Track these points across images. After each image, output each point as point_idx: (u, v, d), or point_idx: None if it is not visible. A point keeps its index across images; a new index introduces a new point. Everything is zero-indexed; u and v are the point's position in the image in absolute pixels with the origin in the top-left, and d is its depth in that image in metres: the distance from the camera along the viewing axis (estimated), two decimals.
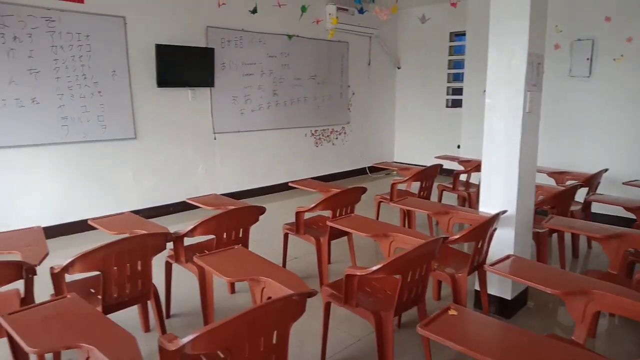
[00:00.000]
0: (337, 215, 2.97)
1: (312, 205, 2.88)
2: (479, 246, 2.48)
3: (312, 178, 6.59)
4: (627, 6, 4.48)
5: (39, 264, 1.94)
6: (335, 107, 6.87)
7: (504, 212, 2.65)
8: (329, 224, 2.50)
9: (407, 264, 1.96)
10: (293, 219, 3.11)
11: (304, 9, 5.18)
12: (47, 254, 2.05)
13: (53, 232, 4.24)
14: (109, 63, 4.43)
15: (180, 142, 5.14)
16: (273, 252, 3.43)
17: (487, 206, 2.82)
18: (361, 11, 4.96)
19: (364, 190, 3.13)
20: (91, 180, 4.50)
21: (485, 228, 2.45)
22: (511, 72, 2.69)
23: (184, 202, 5.27)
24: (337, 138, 7.02)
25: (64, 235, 4.33)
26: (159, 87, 4.76)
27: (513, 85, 2.67)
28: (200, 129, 5.31)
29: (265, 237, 4.01)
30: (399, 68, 7.80)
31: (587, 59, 4.64)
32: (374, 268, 1.86)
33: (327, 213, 2.97)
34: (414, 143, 7.86)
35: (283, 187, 6.30)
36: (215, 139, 5.45)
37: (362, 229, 2.43)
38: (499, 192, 2.78)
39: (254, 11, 4.96)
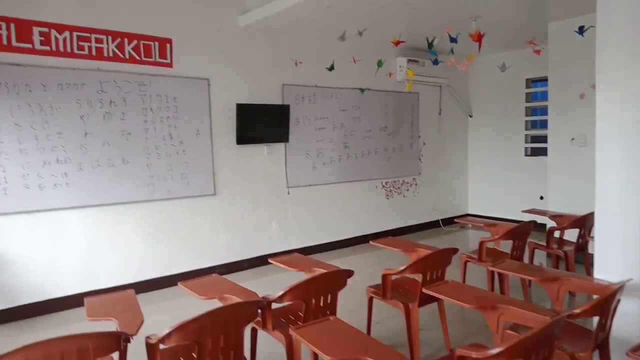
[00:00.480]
0: (428, 279, 2.76)
1: (401, 269, 2.69)
2: (603, 321, 2.17)
3: (383, 232, 6.45)
4: None
5: (136, 334, 1.90)
6: (406, 158, 6.73)
7: (629, 280, 2.32)
8: (426, 291, 2.30)
9: (531, 347, 1.71)
10: (369, 277, 2.93)
11: (380, 63, 5.22)
12: (142, 322, 2.02)
13: (137, 288, 4.31)
14: (193, 123, 4.63)
15: (255, 197, 5.19)
16: (350, 312, 3.24)
17: (604, 272, 2.49)
18: (435, 62, 4.89)
19: (455, 251, 2.91)
20: (172, 236, 4.60)
21: (610, 300, 2.14)
22: (624, 124, 2.44)
23: (258, 258, 5.29)
24: (408, 190, 6.83)
25: (148, 292, 4.40)
26: (238, 144, 4.89)
27: (629, 137, 2.41)
28: (275, 183, 5.35)
29: (341, 297, 3.82)
30: (470, 116, 7.59)
31: None
32: (494, 352, 1.64)
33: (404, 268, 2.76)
34: (489, 194, 7.47)
35: (353, 242, 6.15)
36: (288, 193, 5.46)
37: (465, 299, 2.21)
38: (617, 257, 2.46)
39: (331, 68, 5.05)
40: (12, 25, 3.62)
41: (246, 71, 5.01)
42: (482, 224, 4.17)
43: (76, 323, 3.72)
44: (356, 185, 6.16)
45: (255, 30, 4.99)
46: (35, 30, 3.72)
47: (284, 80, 5.31)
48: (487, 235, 4.07)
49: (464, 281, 3.78)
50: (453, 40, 3.96)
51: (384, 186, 6.51)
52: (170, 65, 4.46)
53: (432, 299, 2.76)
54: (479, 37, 3.75)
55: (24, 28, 3.68)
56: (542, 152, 6.76)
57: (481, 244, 3.59)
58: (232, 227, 5.03)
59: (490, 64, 7.13)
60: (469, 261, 3.80)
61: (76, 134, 3.96)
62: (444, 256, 2.80)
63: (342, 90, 5.85)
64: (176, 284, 4.59)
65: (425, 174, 7.03)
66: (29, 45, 3.71)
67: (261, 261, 5.25)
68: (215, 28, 4.75)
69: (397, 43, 4.41)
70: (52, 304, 3.94)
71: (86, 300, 2.34)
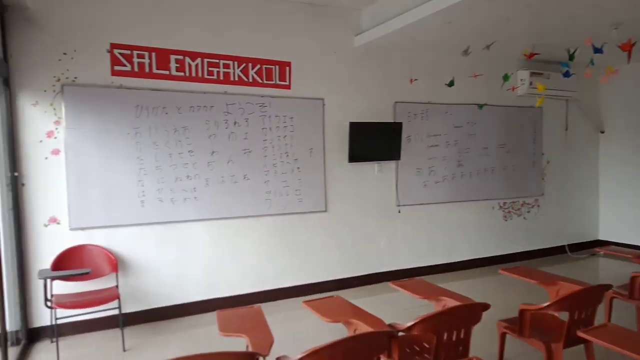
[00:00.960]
0: (576, 318, 2.43)
1: (545, 305, 2.41)
2: None
3: (499, 256, 5.99)
4: None
5: (268, 354, 1.91)
6: (527, 177, 6.21)
7: None
8: (583, 335, 2.02)
9: None
10: (495, 308, 2.65)
11: (506, 77, 4.91)
12: (272, 342, 2.03)
13: (252, 298, 4.49)
14: (308, 141, 4.73)
15: (365, 215, 5.13)
16: (477, 347, 2.98)
17: None
18: (567, 74, 4.45)
19: (608, 287, 2.54)
20: (286, 250, 4.71)
21: None
22: None
23: (367, 276, 5.21)
24: (528, 211, 6.27)
25: (262, 303, 4.53)
26: (350, 162, 4.89)
27: None
28: (384, 201, 5.24)
29: None
30: (602, 132, 6.80)
31: None
32: None
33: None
34: (625, 219, 6.58)
35: (467, 265, 5.79)
36: (399, 212, 5.31)
37: (633, 348, 1.88)
38: None
39: (451, 84, 4.87)
40: (153, 54, 4.02)
41: (359, 90, 5.01)
42: (630, 255, 3.63)
43: (202, 328, 3.96)
44: (471, 205, 5.81)
45: (369, 49, 4.98)
46: (172, 58, 4.09)
47: (396, 98, 5.22)
48: (633, 267, 3.54)
49: (608, 320, 3.30)
50: (598, 50, 3.57)
51: (501, 207, 6.06)
52: (288, 87, 4.62)
53: (579, 340, 2.43)
54: (630, 47, 3.32)
55: (163, 56, 4.06)
56: None
57: (633, 279, 3.11)
58: (342, 243, 5.01)
59: (625, 74, 6.34)
60: (615, 297, 3.32)
61: (204, 152, 4.25)
62: (596, 293, 2.46)
63: (457, 106, 5.60)
64: (289, 296, 4.78)
65: (549, 195, 6.41)
66: (167, 72, 4.08)
67: (370, 279, 5.16)
68: (331, 50, 4.84)
69: (530, 56, 4.09)
70: (180, 309, 4.22)
71: (218, 314, 2.43)
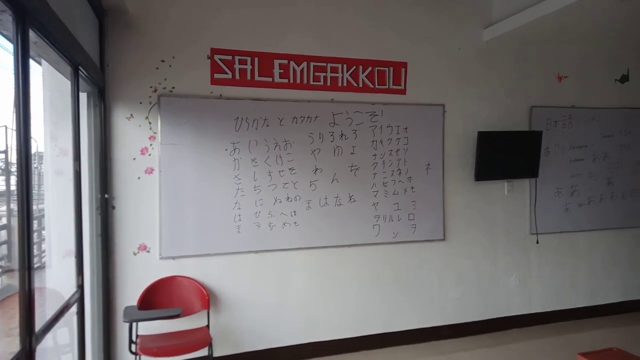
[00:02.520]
0: None
1: None
2: None
3: None
4: None
5: None
6: None
7: None
8: None
9: None
10: None
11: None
12: None
13: (355, 344, 3.82)
14: (425, 156, 3.98)
15: (491, 245, 4.24)
16: None
17: None
18: None
19: None
20: (395, 286, 3.98)
21: None
22: None
23: (491, 321, 4.31)
24: None
25: (364, 350, 3.85)
26: (476, 180, 4.05)
27: None
28: (515, 228, 4.31)
29: None
30: None
31: None
32: None
33: None
34: None
35: (616, 308, 4.66)
36: (537, 242, 4.35)
37: None
38: None
39: (624, 80, 3.89)
40: (256, 60, 3.51)
41: (487, 94, 4.16)
42: None
43: None
44: (624, 233, 4.67)
45: (501, 44, 4.12)
46: (276, 63, 3.56)
47: (532, 102, 4.29)
48: None
49: None
50: None
51: None
52: (403, 91, 3.90)
53: None
54: None
55: (266, 61, 3.54)
56: None
57: None
58: (462, 280, 4.17)
59: None
60: None
61: (307, 169, 3.66)
62: None
63: (606, 111, 4.52)
64: (398, 343, 4.01)
65: None
66: (270, 79, 3.55)
67: (494, 325, 4.26)
68: (455, 46, 4.04)
69: None
70: (273, 353, 3.65)
71: None
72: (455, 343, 4.08)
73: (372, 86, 3.80)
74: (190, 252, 3.42)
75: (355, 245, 3.84)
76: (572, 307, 4.51)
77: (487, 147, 3.97)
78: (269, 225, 3.59)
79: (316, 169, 3.68)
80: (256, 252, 3.59)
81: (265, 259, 3.62)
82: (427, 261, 4.06)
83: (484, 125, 4.09)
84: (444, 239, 4.07)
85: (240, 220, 3.52)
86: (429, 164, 3.99)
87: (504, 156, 4.05)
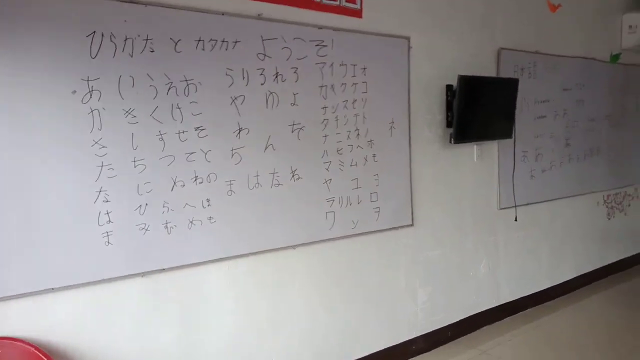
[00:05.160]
0: None
1: None
2: None
3: (601, 269, 4.41)
4: None
5: None
6: (629, 159, 4.66)
7: None
8: None
9: None
10: None
11: (615, 58, 3.57)
12: None
13: None
14: (388, 110, 2.81)
15: (459, 227, 3.30)
16: None
17: None
18: None
19: None
20: (355, 296, 2.78)
21: None
22: None
23: (461, 322, 3.40)
24: (629, 205, 4.74)
25: None
26: (455, 143, 3.02)
27: None
28: (483, 204, 3.44)
29: None
30: None
31: None
32: None
33: None
34: None
35: (573, 286, 4.17)
36: (516, 219, 3.54)
37: None
38: None
39: (615, 59, 3.32)
40: None
41: (454, 28, 3.15)
42: None
43: None
44: (576, 202, 4.15)
45: None
46: None
47: (501, 43, 3.41)
48: None
49: None
50: None
51: (605, 201, 4.46)
52: (359, 13, 2.66)
53: None
54: None
55: None
56: None
57: None
58: (432, 275, 3.15)
59: None
60: None
61: (225, 129, 2.22)
62: None
63: (567, 60, 3.89)
64: None
65: None
66: None
67: (466, 326, 3.36)
68: None
69: None
70: None
71: None
72: (429, 358, 3.08)
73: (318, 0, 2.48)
74: (15, 288, 1.75)
75: (303, 244, 2.52)
76: (536, 290, 3.84)
77: (469, 98, 2.95)
78: (165, 227, 2.08)
79: (240, 129, 2.26)
80: (143, 274, 2.05)
81: (161, 284, 2.11)
82: (392, 257, 2.94)
83: (453, 69, 3.07)
84: (411, 224, 2.98)
85: (109, 221, 1.95)
86: (392, 122, 2.84)
87: (483, 111, 3.09)
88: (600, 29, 4.20)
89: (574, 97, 3.97)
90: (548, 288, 3.93)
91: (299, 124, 2.45)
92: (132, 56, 1.96)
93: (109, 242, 1.94)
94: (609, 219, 4.49)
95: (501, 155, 3.48)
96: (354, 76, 2.64)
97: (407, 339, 3.02)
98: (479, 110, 3.03)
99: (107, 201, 1.94)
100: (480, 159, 3.36)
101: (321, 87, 2.52)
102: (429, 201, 3.09)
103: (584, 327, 3.49)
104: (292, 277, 2.51)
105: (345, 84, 2.61)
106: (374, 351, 2.86)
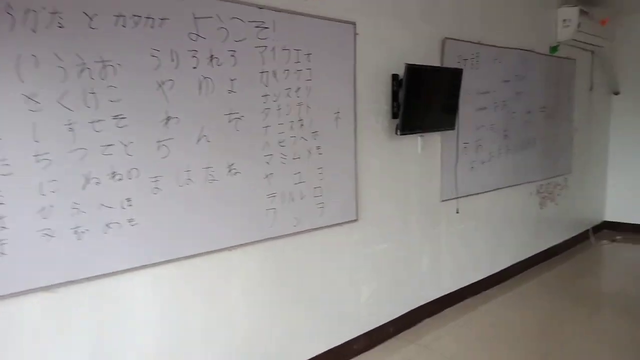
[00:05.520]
0: None
1: None
2: None
3: (534, 256, 4.59)
4: None
5: None
6: (560, 150, 4.85)
7: None
8: None
9: None
10: None
11: (554, 49, 3.86)
12: None
13: None
14: (333, 99, 2.64)
15: (405, 221, 3.23)
16: None
17: None
18: None
19: None
20: (298, 299, 2.63)
21: None
22: None
23: (405, 316, 3.35)
24: (559, 194, 4.96)
25: None
26: (401, 134, 2.91)
27: None
28: (427, 196, 3.40)
29: None
30: (616, 94, 5.73)
31: None
32: None
33: None
34: (637, 196, 5.66)
35: (510, 274, 4.30)
36: (457, 212, 3.53)
37: None
38: None
39: (554, 50, 3.32)
40: None
41: (399, 14, 3.01)
42: None
43: None
44: (513, 192, 4.25)
45: None
46: None
47: (445, 32, 3.33)
48: None
49: None
50: None
51: (538, 191, 4.62)
52: None
53: None
54: None
55: None
56: None
57: None
58: (377, 271, 3.07)
59: None
60: None
61: (150, 118, 1.94)
62: None
63: (508, 51, 3.91)
64: None
65: (576, 173, 5.16)
66: None
67: (409, 320, 3.33)
68: None
69: None
70: None
71: None
72: (370, 356, 3.01)
73: None
74: None
75: (240, 245, 2.31)
76: (475, 280, 3.90)
77: (414, 88, 2.84)
78: (75, 232, 1.79)
79: (168, 118, 1.99)
80: (47, 288, 1.75)
81: (70, 299, 1.82)
82: (335, 254, 2.81)
83: (399, 58, 2.95)
84: (356, 219, 2.86)
85: (3, 227, 1.63)
86: (338, 112, 2.67)
87: (429, 102, 3.01)
88: (538, 21, 4.28)
89: (513, 89, 4.02)
90: (486, 277, 4.01)
91: (237, 113, 2.21)
92: (35, 32, 1.62)
93: (2, 253, 1.63)
94: (542, 208, 4.67)
95: (444, 146, 3.44)
96: (298, 62, 2.43)
97: (348, 339, 2.92)
98: (424, 100, 2.95)
99: (3, 204, 1.62)
100: (424, 151, 3.29)
101: (262, 73, 2.28)
102: (375, 195, 2.98)
103: (519, 314, 3.57)
104: (228, 282, 2.30)
105: (289, 70, 2.39)
106: (314, 355, 2.73)
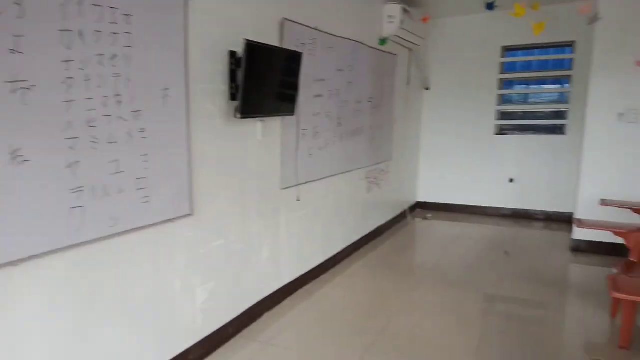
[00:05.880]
0: None
1: None
2: None
3: (363, 239, 4.88)
4: None
5: None
6: (384, 138, 5.22)
7: None
8: None
9: None
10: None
11: (383, 42, 4.00)
12: None
13: None
14: (159, 73, 2.22)
15: (244, 212, 3.00)
16: None
17: None
18: (490, 7, 3.50)
19: None
20: (116, 312, 2.18)
21: None
22: None
23: (246, 314, 3.13)
24: (383, 180, 5.35)
25: None
26: (242, 117, 2.63)
27: None
28: (267, 185, 3.22)
29: None
30: (427, 89, 6.45)
31: None
32: None
33: None
34: (444, 178, 6.52)
35: (344, 256, 4.46)
36: (299, 199, 3.41)
37: None
38: None
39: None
40: None
41: None
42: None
43: None
44: (345, 178, 4.38)
45: None
46: None
47: (285, 12, 3.15)
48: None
49: None
50: None
51: (367, 177, 4.89)
52: None
53: None
54: None
55: None
56: (518, 130, 6.19)
57: None
58: (214, 270, 2.78)
59: (455, 27, 6.09)
60: None
61: None
62: None
63: (341, 41, 3.95)
64: None
65: (395, 159, 5.64)
66: None
67: (248, 317, 3.14)
68: None
69: None
70: None
71: None
72: None
73: None
74: None
75: (30, 258, 1.77)
76: (314, 265, 3.92)
77: (254, 68, 2.59)
78: None
79: None
80: None
81: None
82: (168, 256, 2.42)
83: (237, 34, 2.67)
84: (190, 214, 2.51)
85: None
86: (167, 89, 2.27)
87: (269, 85, 2.80)
88: (367, 15, 4.46)
89: (346, 79, 4.11)
90: (323, 262, 4.06)
91: (25, 81, 1.65)
92: None
93: None
94: (368, 192, 4.96)
95: (284, 133, 3.30)
96: (114, 23, 1.95)
97: (182, 351, 2.58)
98: (265, 82, 2.74)
99: None
100: (265, 137, 3.10)
101: (63, 31, 1.75)
102: (211, 185, 2.67)
103: (352, 295, 3.71)
104: (8, 309, 1.74)
105: (101, 31, 1.90)
106: None
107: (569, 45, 5.58)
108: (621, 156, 4.39)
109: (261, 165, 3.12)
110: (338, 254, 4.33)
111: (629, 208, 3.88)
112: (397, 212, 5.86)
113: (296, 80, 3.07)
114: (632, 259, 3.12)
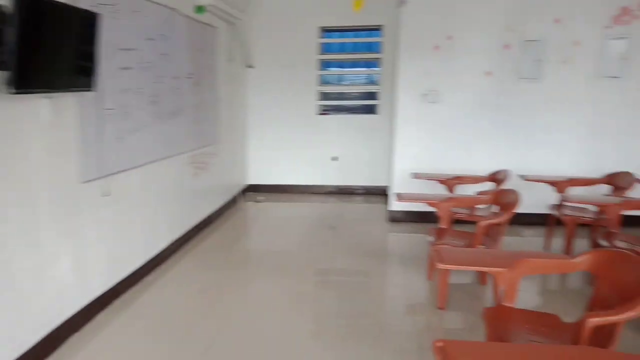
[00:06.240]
0: None
1: None
2: None
3: (192, 230, 4.47)
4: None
5: None
6: (208, 120, 4.81)
7: None
8: None
9: None
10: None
11: (200, 10, 3.86)
12: None
13: None
14: None
15: (29, 217, 2.32)
16: None
17: None
18: None
19: None
20: None
21: None
22: None
23: (35, 349, 2.46)
24: (211, 163, 4.96)
25: None
26: (17, 91, 1.94)
27: None
28: (61, 179, 2.56)
29: None
30: (250, 67, 6.20)
31: (537, 60, 4.58)
32: None
33: None
34: (276, 160, 6.45)
35: (169, 252, 4.00)
36: (109, 194, 2.77)
37: None
38: None
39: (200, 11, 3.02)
40: None
41: None
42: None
43: None
44: (167, 165, 3.87)
45: None
46: None
47: None
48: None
49: None
50: None
51: (193, 162, 4.43)
52: None
53: None
54: None
55: None
56: (340, 109, 6.43)
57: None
58: None
59: (274, 3, 5.96)
60: None
61: None
62: None
63: (150, 5, 3.38)
64: None
65: (223, 141, 5.29)
66: None
67: (43, 349, 2.50)
68: None
69: None
70: None
71: None
72: None
73: None
74: None
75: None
76: (133, 269, 3.37)
77: (33, 27, 1.92)
78: None
79: None
80: None
81: None
82: None
83: None
84: None
85: None
86: None
87: (55, 51, 2.15)
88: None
89: (159, 50, 3.57)
90: (145, 263, 3.53)
91: None
92: None
93: None
94: (196, 179, 4.52)
95: (83, 113, 2.66)
96: None
97: None
98: (50, 47, 2.09)
99: None
100: (54, 118, 2.43)
101: None
102: None
103: (183, 294, 3.32)
104: None
105: None
106: None
107: (378, 29, 5.97)
108: (427, 133, 4.89)
109: (52, 154, 2.45)
110: (163, 251, 3.83)
111: (436, 180, 4.33)
112: (228, 197, 5.54)
113: (93, 46, 2.46)
114: (442, 226, 3.45)
